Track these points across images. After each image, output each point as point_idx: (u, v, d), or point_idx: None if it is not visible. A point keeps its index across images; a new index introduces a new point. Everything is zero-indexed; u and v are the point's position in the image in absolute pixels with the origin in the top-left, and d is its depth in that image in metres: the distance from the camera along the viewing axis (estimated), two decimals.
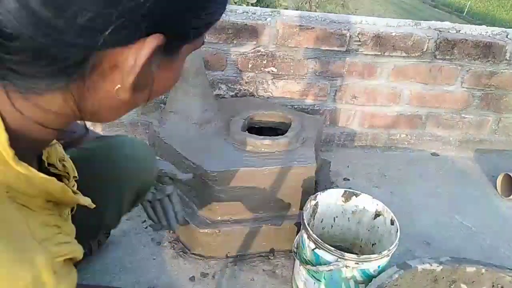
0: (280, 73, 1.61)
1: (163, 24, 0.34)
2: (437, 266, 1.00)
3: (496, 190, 1.65)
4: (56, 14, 0.29)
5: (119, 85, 0.36)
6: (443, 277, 1.01)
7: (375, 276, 0.97)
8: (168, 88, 0.43)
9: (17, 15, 0.29)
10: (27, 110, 0.35)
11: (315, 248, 0.99)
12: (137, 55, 0.34)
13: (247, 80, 1.62)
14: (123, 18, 0.31)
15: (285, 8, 3.65)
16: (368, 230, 1.18)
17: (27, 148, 0.37)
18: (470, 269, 1.00)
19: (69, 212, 0.50)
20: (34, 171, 0.36)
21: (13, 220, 0.35)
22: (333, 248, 0.96)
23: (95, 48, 0.32)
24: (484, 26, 1.70)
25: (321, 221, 1.20)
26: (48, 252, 0.37)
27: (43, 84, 0.34)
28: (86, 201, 0.49)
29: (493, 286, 1.01)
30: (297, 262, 1.08)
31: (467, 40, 1.60)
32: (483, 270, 1.00)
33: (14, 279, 0.33)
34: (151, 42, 0.34)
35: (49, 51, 0.31)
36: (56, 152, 0.49)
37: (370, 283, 0.95)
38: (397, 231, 1.04)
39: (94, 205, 0.50)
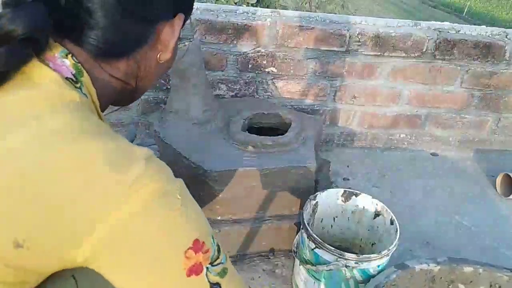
0: (280, 73, 1.61)
1: (182, 6, 0.54)
2: (435, 266, 1.00)
3: (496, 190, 1.66)
4: None
5: (161, 52, 0.54)
6: (441, 277, 1.01)
7: (374, 276, 0.98)
8: (173, 63, 0.62)
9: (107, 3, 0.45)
10: (107, 69, 0.50)
11: (315, 248, 0.99)
12: (173, 28, 0.53)
13: (247, 80, 1.62)
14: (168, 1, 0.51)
15: (285, 8, 3.65)
16: (368, 230, 1.18)
17: (104, 102, 0.52)
18: (468, 269, 1.01)
19: None
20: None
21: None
22: (332, 248, 0.96)
23: (154, 22, 0.51)
24: (483, 26, 1.70)
25: (321, 221, 1.20)
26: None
27: (118, 52, 0.50)
28: None
29: (490, 286, 1.02)
30: (297, 261, 1.09)
31: (466, 40, 1.60)
32: (481, 270, 1.01)
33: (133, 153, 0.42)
34: (180, 18, 0.54)
35: (124, 26, 0.48)
36: None
37: (368, 283, 0.95)
38: (396, 231, 1.04)
39: None
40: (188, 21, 0.60)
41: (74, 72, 0.45)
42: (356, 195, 1.17)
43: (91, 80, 0.47)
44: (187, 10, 0.56)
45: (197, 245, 0.43)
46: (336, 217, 1.21)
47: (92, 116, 0.45)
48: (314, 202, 1.14)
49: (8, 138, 0.38)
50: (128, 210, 0.39)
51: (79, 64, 0.46)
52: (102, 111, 0.53)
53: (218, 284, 0.45)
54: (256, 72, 1.61)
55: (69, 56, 0.45)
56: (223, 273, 0.45)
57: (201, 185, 1.16)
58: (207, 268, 0.44)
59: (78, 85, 0.45)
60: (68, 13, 0.45)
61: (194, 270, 0.43)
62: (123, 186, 0.39)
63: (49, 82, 0.43)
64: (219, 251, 0.46)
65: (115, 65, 0.51)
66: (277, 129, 1.40)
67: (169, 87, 1.60)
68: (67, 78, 0.44)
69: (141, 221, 0.40)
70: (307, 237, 1.01)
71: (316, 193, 1.14)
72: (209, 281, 0.44)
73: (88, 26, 0.46)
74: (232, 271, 0.47)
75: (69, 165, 0.38)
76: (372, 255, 0.95)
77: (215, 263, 0.45)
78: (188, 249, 0.42)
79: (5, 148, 0.38)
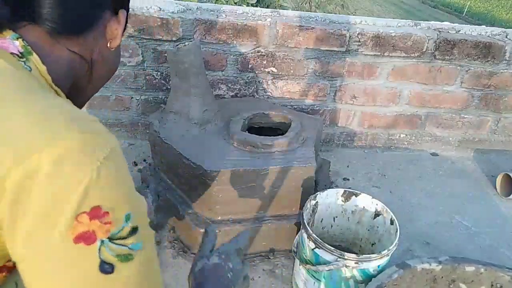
0: (280, 73, 1.61)
1: (120, 1, 0.60)
2: (436, 266, 1.00)
3: (496, 190, 1.66)
4: None
5: (111, 40, 0.59)
6: (442, 277, 1.01)
7: (374, 276, 0.98)
8: (118, 63, 0.67)
9: None
10: (63, 44, 0.53)
11: (315, 248, 0.99)
12: (117, 19, 0.59)
13: (247, 80, 1.62)
14: None
15: (285, 9, 3.65)
16: (368, 230, 1.18)
17: (59, 79, 0.53)
18: (469, 268, 1.01)
19: None
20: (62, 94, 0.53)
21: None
22: (333, 248, 0.96)
23: (106, 9, 0.56)
24: (483, 26, 1.70)
25: (321, 221, 1.20)
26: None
27: (74, 30, 0.53)
28: None
29: (492, 285, 1.01)
30: (297, 261, 1.09)
31: (466, 40, 1.60)
32: (482, 270, 1.01)
33: (100, 132, 0.44)
34: (123, 12, 0.60)
35: (72, 6, 0.52)
36: None
37: (369, 283, 0.95)
38: (396, 231, 1.04)
39: None
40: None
41: (22, 50, 0.48)
42: (356, 195, 1.17)
43: (40, 58, 0.50)
44: (127, 5, 0.62)
45: (95, 212, 0.40)
46: (336, 217, 1.21)
47: (32, 79, 0.48)
48: (314, 202, 1.14)
49: None
50: (35, 166, 0.38)
51: (29, 47, 0.49)
52: (62, 86, 0.54)
53: (111, 265, 0.40)
54: (256, 72, 1.61)
55: (20, 39, 0.49)
56: (124, 258, 0.41)
57: (201, 185, 1.16)
58: (102, 241, 0.40)
59: (22, 60, 0.48)
60: None
61: (84, 237, 0.39)
62: (39, 140, 0.39)
63: None
64: (132, 234, 0.42)
65: (67, 42, 0.54)
66: (277, 129, 1.40)
67: (169, 87, 1.60)
68: (12, 53, 0.47)
69: (44, 176, 0.38)
70: (307, 237, 1.01)
71: (316, 193, 1.14)
72: (100, 257, 0.40)
73: (43, 3, 0.49)
74: (142, 265, 0.43)
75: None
76: (372, 255, 0.95)
77: (117, 241, 0.41)
78: (83, 213, 0.39)
79: None
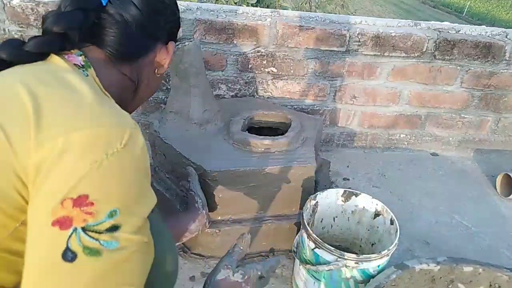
0: (280, 73, 1.61)
1: (174, 35, 0.73)
2: (435, 266, 1.00)
3: (496, 190, 1.66)
4: (151, 16, 0.64)
5: (157, 67, 0.70)
6: (441, 277, 1.01)
7: (374, 276, 0.98)
8: (160, 81, 0.78)
9: (130, 12, 0.61)
10: (116, 66, 0.62)
11: (315, 248, 0.99)
12: (167, 50, 0.70)
13: (247, 80, 1.63)
14: (170, 28, 0.70)
15: (285, 8, 3.64)
16: (368, 230, 1.18)
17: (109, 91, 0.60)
18: (468, 268, 1.01)
19: None
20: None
21: (113, 102, 0.56)
22: (332, 248, 0.96)
23: (156, 40, 0.67)
24: (483, 26, 1.70)
25: (321, 221, 1.20)
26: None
27: (127, 56, 0.63)
28: None
29: (490, 285, 1.02)
30: (297, 261, 1.09)
31: (466, 40, 1.60)
32: (480, 270, 1.01)
33: (122, 130, 0.47)
34: (172, 44, 0.71)
35: (134, 39, 0.63)
36: None
37: (368, 284, 0.95)
38: (396, 231, 1.04)
39: None
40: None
41: (83, 63, 0.57)
42: (356, 195, 1.17)
43: (96, 72, 0.58)
44: (175, 38, 0.73)
45: (80, 200, 0.41)
46: (336, 217, 1.21)
47: (87, 78, 0.56)
48: (314, 202, 1.14)
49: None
50: (56, 146, 0.43)
51: (89, 62, 0.58)
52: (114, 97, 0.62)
53: (75, 254, 0.40)
54: (256, 72, 1.61)
55: (82, 56, 0.58)
56: (91, 252, 0.41)
57: (201, 185, 1.17)
58: (75, 229, 0.41)
59: (82, 69, 0.57)
60: (97, 22, 0.59)
61: (60, 222, 0.41)
62: (63, 127, 0.44)
63: (57, 62, 0.56)
64: (109, 231, 0.42)
65: (121, 65, 0.64)
66: (277, 129, 1.40)
67: (169, 87, 1.60)
68: (74, 64, 0.56)
69: (57, 159, 0.42)
70: (307, 237, 1.01)
71: (316, 193, 1.14)
72: (67, 244, 0.40)
73: (109, 33, 0.60)
74: (109, 266, 0.42)
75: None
76: (372, 255, 0.95)
77: (91, 233, 0.41)
78: (69, 199, 0.41)
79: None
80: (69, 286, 0.41)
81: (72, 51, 0.58)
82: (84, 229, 0.41)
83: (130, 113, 0.66)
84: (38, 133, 0.44)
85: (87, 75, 0.57)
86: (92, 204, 0.42)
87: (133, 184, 0.46)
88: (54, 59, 0.56)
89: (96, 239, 0.41)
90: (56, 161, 0.43)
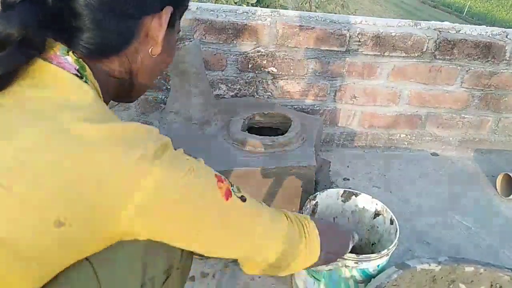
0: (280, 73, 1.61)
1: None
2: (436, 266, 1.00)
3: (496, 190, 1.65)
4: None
5: (152, 46, 0.55)
6: (442, 277, 1.01)
7: (374, 276, 0.97)
8: (172, 57, 0.63)
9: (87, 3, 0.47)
10: (100, 67, 0.52)
11: None
12: (160, 20, 0.54)
13: (247, 80, 1.62)
14: None
15: (285, 8, 3.65)
16: (368, 230, 1.18)
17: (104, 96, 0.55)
18: (469, 268, 1.01)
19: None
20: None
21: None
22: None
23: (138, 17, 0.52)
24: (483, 26, 1.70)
25: None
26: None
27: (105, 51, 0.52)
28: None
29: (491, 285, 1.01)
30: None
31: (466, 40, 1.60)
32: (482, 270, 1.01)
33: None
34: (167, 11, 0.54)
35: (109, 25, 0.49)
36: None
37: (369, 283, 0.95)
38: (396, 231, 1.04)
39: None
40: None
41: (77, 67, 0.48)
42: (356, 195, 1.17)
43: (92, 73, 0.51)
44: (176, 2, 0.57)
45: (219, 177, 0.56)
46: (336, 217, 1.21)
47: (102, 103, 0.51)
48: (314, 202, 1.14)
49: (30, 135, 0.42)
50: (153, 178, 0.45)
51: (80, 59, 0.49)
52: (106, 103, 0.57)
53: (242, 196, 0.59)
54: (256, 72, 1.61)
55: (70, 52, 0.48)
56: (238, 189, 0.60)
57: None
58: (232, 189, 0.57)
59: (83, 80, 0.48)
60: (55, 15, 0.47)
61: (227, 194, 0.56)
62: (143, 160, 0.45)
63: (60, 81, 0.46)
64: (232, 186, 0.59)
65: (106, 63, 0.53)
66: (277, 129, 1.40)
67: (169, 87, 1.60)
68: (74, 75, 0.48)
69: (167, 181, 0.47)
70: None
71: (316, 193, 1.14)
72: (238, 197, 0.58)
73: (75, 28, 0.48)
74: (238, 186, 0.61)
75: (98, 148, 0.44)
76: (372, 255, 0.95)
77: (231, 185, 0.58)
78: (217, 181, 0.56)
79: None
80: (255, 211, 0.62)
81: (54, 48, 0.47)
82: (231, 186, 0.59)
83: (134, 100, 0.67)
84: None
85: (88, 83, 0.49)
86: (218, 175, 0.58)
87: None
88: (45, 69, 0.46)
89: (232, 184, 0.59)
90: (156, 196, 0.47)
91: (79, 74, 0.48)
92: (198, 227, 0.53)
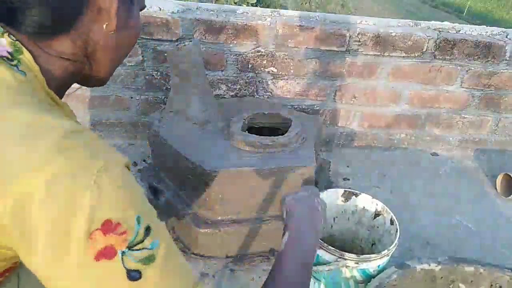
0: (280, 73, 1.61)
1: None
2: (436, 266, 1.00)
3: (496, 190, 1.66)
4: None
5: (106, 23, 0.50)
6: (442, 277, 1.01)
7: (374, 276, 0.98)
8: (136, 36, 0.58)
9: None
10: (49, 51, 0.48)
11: None
12: None
13: (247, 80, 1.62)
14: None
15: (285, 8, 3.65)
16: (368, 230, 1.18)
17: (54, 82, 0.49)
18: (469, 268, 1.01)
19: None
20: (56, 97, 0.49)
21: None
22: (333, 248, 0.96)
23: None
24: (483, 26, 1.70)
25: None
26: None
27: (52, 30, 0.47)
28: None
29: (491, 285, 1.01)
30: None
31: (466, 40, 1.60)
32: (481, 270, 1.01)
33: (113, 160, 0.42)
34: None
35: (53, 1, 0.45)
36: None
37: (369, 283, 0.95)
38: (396, 231, 1.04)
39: None
40: None
41: (11, 50, 0.44)
42: (356, 195, 1.17)
43: (33, 57, 0.46)
44: None
45: (108, 226, 0.39)
46: (336, 217, 1.21)
47: (26, 92, 0.44)
48: None
49: None
50: (28, 189, 0.38)
51: (17, 42, 0.45)
52: (61, 88, 0.52)
53: (138, 271, 0.41)
54: (256, 72, 1.61)
55: (5, 34, 0.44)
56: (147, 260, 0.41)
57: (201, 185, 1.16)
58: (123, 252, 0.40)
59: (14, 63, 0.44)
60: None
61: (104, 253, 0.39)
62: (28, 162, 0.38)
63: None
64: (147, 234, 0.42)
65: (56, 44, 0.48)
66: (277, 129, 1.40)
67: (169, 87, 1.60)
68: (1, 57, 0.43)
69: (41, 201, 0.38)
70: None
71: None
72: (125, 267, 0.40)
73: (16, 7, 0.44)
74: (165, 259, 0.43)
75: None
76: (372, 255, 0.95)
77: (136, 247, 0.41)
78: (96, 230, 0.39)
79: None
80: None
81: None
82: (129, 248, 0.41)
83: (102, 82, 0.59)
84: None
85: (24, 74, 0.44)
86: (118, 224, 0.40)
87: (130, 186, 0.44)
88: None
89: (143, 248, 0.42)
90: (30, 209, 0.38)
91: (9, 57, 0.44)
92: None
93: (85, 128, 0.44)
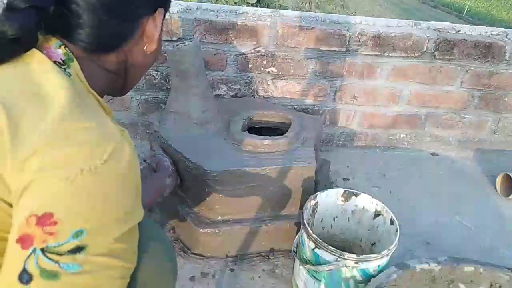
0: (280, 73, 1.61)
1: (161, 1, 0.60)
2: (436, 266, 1.00)
3: (496, 190, 1.66)
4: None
5: (147, 44, 0.60)
6: (442, 277, 1.01)
7: (374, 276, 0.98)
8: (160, 52, 0.67)
9: (90, 4, 0.51)
10: (97, 62, 0.56)
11: (315, 248, 0.99)
12: (155, 21, 0.59)
13: (247, 80, 1.62)
14: None
15: (285, 8, 3.65)
16: (368, 230, 1.18)
17: (94, 89, 0.55)
18: (468, 268, 1.01)
19: None
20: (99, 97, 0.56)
21: (96, 108, 0.52)
22: (332, 248, 0.96)
23: (137, 19, 0.57)
24: (483, 26, 1.70)
25: (321, 221, 1.20)
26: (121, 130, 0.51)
27: (102, 48, 0.56)
28: None
29: (491, 285, 1.01)
30: (297, 261, 1.09)
31: (466, 40, 1.60)
32: (481, 270, 1.01)
33: (103, 145, 0.44)
34: (161, 12, 0.60)
35: (109, 26, 0.54)
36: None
37: (368, 283, 0.95)
38: (396, 231, 1.04)
39: None
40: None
41: (64, 58, 0.51)
42: (356, 195, 1.17)
43: (80, 66, 0.53)
44: (166, 3, 0.63)
45: (44, 219, 0.39)
46: (336, 217, 1.21)
47: (69, 80, 0.50)
48: (314, 202, 1.14)
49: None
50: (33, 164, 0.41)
51: (71, 53, 0.52)
52: (99, 95, 0.57)
53: (30, 276, 0.38)
54: (256, 72, 1.61)
55: (63, 47, 0.52)
56: (48, 274, 0.39)
57: (201, 185, 1.16)
58: (34, 250, 0.39)
59: (63, 67, 0.51)
60: (59, 16, 0.50)
61: (23, 240, 0.39)
62: (38, 145, 0.42)
63: (36, 61, 0.49)
64: (72, 252, 0.40)
65: (104, 58, 0.57)
66: (277, 129, 1.40)
67: (169, 87, 1.60)
68: (54, 62, 0.50)
69: (38, 175, 0.41)
70: (307, 237, 1.01)
71: (316, 193, 1.14)
72: (24, 265, 0.38)
73: (77, 26, 0.52)
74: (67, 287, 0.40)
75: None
76: (372, 255, 0.95)
77: (50, 255, 0.39)
78: (33, 215, 0.39)
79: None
80: None
81: (49, 42, 0.51)
82: (43, 251, 0.39)
83: (125, 94, 0.68)
84: (14, 155, 0.41)
85: (70, 75, 0.51)
86: (55, 223, 0.39)
87: (112, 202, 0.43)
88: (34, 55, 0.50)
89: (56, 261, 0.39)
90: (33, 180, 0.41)
91: (61, 63, 0.51)
92: None
93: (111, 127, 0.49)
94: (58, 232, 0.39)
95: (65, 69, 0.51)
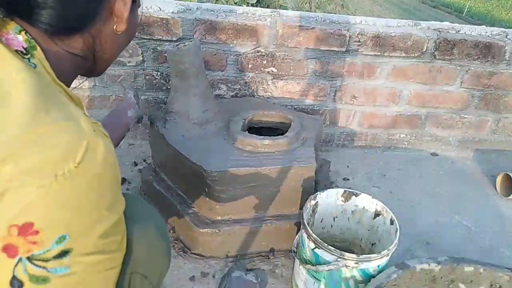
0: (280, 73, 1.61)
1: None
2: (436, 266, 1.00)
3: (496, 190, 1.66)
4: None
5: (117, 24, 0.55)
6: (442, 277, 1.01)
7: (374, 276, 0.98)
8: (135, 33, 0.64)
9: None
10: (62, 46, 0.51)
11: (315, 248, 0.99)
12: (125, 2, 0.54)
13: (247, 80, 1.62)
14: None
15: (285, 8, 3.65)
16: (368, 230, 1.18)
17: (62, 74, 0.52)
18: (468, 268, 1.01)
19: None
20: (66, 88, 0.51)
21: (64, 102, 0.47)
22: (332, 248, 0.96)
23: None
24: (483, 26, 1.70)
25: (321, 221, 1.20)
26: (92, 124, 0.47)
27: (66, 30, 0.51)
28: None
29: (491, 285, 1.02)
30: (297, 261, 1.09)
31: (466, 40, 1.60)
32: (481, 270, 1.01)
33: (75, 146, 0.42)
34: None
35: (74, 6, 0.49)
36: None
37: (368, 283, 0.95)
38: (396, 231, 1.04)
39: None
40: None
41: (26, 46, 0.47)
42: (356, 195, 1.17)
43: (44, 54, 0.49)
44: None
45: (25, 228, 0.39)
46: (336, 217, 1.21)
47: (34, 72, 0.46)
48: (314, 202, 1.14)
49: None
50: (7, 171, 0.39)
51: (33, 40, 0.48)
52: (66, 81, 0.54)
53: (20, 282, 0.39)
54: (256, 72, 1.61)
55: (23, 32, 0.47)
56: (38, 280, 0.40)
57: (201, 185, 1.17)
58: (20, 259, 0.39)
59: (27, 57, 0.47)
60: None
61: (7, 249, 0.39)
62: (13, 150, 0.40)
63: None
64: (57, 257, 0.40)
65: (69, 41, 0.52)
66: (277, 129, 1.40)
67: (169, 87, 1.60)
68: (16, 51, 0.46)
69: (11, 183, 0.39)
70: (307, 237, 1.01)
71: (316, 193, 1.14)
72: (13, 272, 0.39)
73: (37, 6, 0.47)
74: None
75: None
76: (372, 255, 0.95)
77: (37, 262, 0.39)
78: (14, 226, 0.38)
79: None
80: None
81: (7, 26, 0.46)
82: (29, 259, 0.39)
83: (100, 75, 0.65)
84: None
85: (35, 66, 0.47)
86: (36, 232, 0.39)
87: (91, 203, 0.43)
88: None
89: (43, 267, 0.40)
90: (7, 190, 0.39)
91: (24, 52, 0.47)
92: None
93: (86, 123, 0.46)
94: (41, 240, 0.40)
95: (28, 59, 0.47)
